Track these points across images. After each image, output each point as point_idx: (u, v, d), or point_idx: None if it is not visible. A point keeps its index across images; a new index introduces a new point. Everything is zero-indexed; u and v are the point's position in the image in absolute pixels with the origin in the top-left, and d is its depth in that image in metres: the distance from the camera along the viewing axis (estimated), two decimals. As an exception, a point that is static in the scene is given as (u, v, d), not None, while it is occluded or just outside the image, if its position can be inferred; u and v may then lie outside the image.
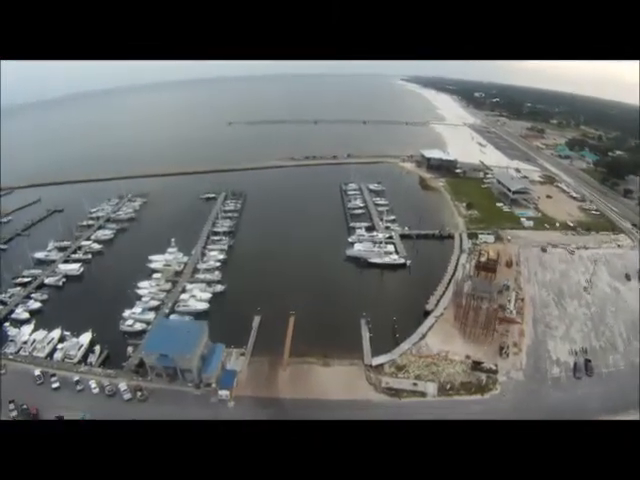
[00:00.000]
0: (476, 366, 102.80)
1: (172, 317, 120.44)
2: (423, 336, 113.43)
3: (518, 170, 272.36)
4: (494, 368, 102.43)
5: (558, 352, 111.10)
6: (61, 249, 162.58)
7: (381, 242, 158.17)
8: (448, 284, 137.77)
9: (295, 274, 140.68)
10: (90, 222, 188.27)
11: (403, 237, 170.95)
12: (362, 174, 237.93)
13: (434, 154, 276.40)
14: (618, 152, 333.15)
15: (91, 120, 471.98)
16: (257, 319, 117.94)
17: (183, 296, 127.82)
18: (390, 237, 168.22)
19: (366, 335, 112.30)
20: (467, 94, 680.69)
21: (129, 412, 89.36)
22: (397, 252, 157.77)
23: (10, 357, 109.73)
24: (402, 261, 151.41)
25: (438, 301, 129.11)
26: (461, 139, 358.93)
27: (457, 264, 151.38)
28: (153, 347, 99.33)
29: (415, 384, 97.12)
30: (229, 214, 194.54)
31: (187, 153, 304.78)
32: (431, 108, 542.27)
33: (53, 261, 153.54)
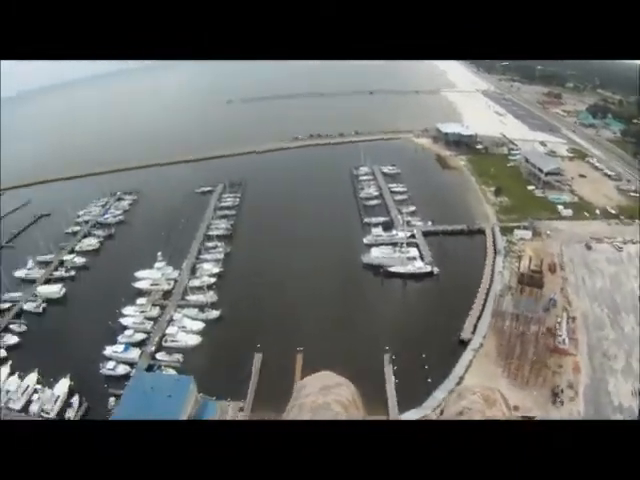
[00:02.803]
0: None
1: (159, 355, 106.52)
2: (460, 379, 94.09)
3: (543, 144, 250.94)
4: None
5: (620, 393, 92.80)
6: (44, 264, 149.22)
7: (402, 244, 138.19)
8: (485, 300, 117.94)
9: (303, 290, 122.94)
10: (76, 228, 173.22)
11: (426, 234, 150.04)
12: (373, 154, 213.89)
13: (452, 128, 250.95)
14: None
15: (65, 113, 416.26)
16: (258, 358, 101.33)
17: (170, 330, 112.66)
18: (412, 235, 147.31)
19: (391, 380, 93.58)
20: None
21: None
22: (422, 257, 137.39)
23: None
24: (428, 269, 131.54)
25: (475, 326, 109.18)
26: (477, 108, 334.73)
27: (493, 271, 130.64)
28: (127, 417, 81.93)
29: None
30: (226, 212, 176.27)
31: (181, 139, 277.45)
32: (440, 73, 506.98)
33: (34, 280, 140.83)
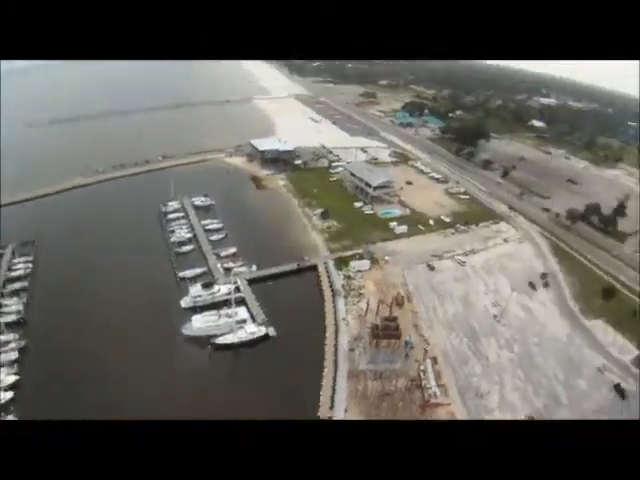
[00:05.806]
0: None
1: None
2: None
3: (365, 150, 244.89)
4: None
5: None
6: None
7: (228, 303, 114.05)
8: (335, 359, 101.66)
9: (113, 386, 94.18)
10: None
11: (252, 282, 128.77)
12: (183, 182, 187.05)
13: (268, 144, 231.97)
14: (458, 112, 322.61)
15: None
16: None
17: None
18: (237, 288, 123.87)
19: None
20: (289, 60, 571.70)
21: None
22: (252, 317, 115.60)
23: None
24: (263, 332, 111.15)
25: (332, 397, 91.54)
26: (291, 116, 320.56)
27: (336, 319, 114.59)
28: None
29: None
30: (17, 285, 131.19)
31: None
32: (253, 80, 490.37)
33: None
